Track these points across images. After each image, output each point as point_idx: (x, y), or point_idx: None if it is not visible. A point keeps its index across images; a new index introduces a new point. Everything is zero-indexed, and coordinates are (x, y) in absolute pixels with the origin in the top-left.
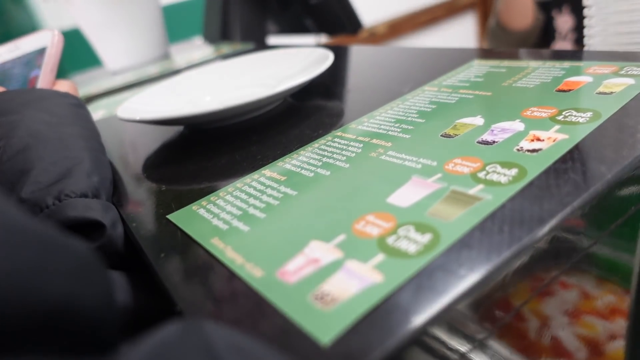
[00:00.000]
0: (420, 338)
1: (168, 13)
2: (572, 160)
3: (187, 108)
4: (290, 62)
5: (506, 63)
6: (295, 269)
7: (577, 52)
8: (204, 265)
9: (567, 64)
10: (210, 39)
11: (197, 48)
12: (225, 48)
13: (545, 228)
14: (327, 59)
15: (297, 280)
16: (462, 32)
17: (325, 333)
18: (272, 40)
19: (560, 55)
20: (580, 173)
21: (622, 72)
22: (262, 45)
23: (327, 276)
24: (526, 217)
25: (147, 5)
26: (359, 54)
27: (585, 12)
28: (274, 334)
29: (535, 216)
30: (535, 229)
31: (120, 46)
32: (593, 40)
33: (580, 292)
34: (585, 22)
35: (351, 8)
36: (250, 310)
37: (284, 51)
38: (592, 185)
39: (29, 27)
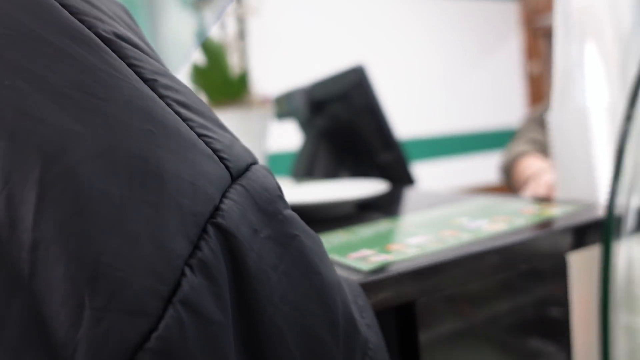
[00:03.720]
0: None
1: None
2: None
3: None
4: (361, 185)
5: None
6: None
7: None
8: None
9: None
10: (297, 176)
11: (285, 181)
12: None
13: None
14: (385, 186)
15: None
16: None
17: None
18: None
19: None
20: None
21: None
22: None
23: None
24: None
25: (257, 151)
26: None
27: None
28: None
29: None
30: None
31: None
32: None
33: None
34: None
35: (407, 170)
36: None
37: (360, 181)
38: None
39: None
